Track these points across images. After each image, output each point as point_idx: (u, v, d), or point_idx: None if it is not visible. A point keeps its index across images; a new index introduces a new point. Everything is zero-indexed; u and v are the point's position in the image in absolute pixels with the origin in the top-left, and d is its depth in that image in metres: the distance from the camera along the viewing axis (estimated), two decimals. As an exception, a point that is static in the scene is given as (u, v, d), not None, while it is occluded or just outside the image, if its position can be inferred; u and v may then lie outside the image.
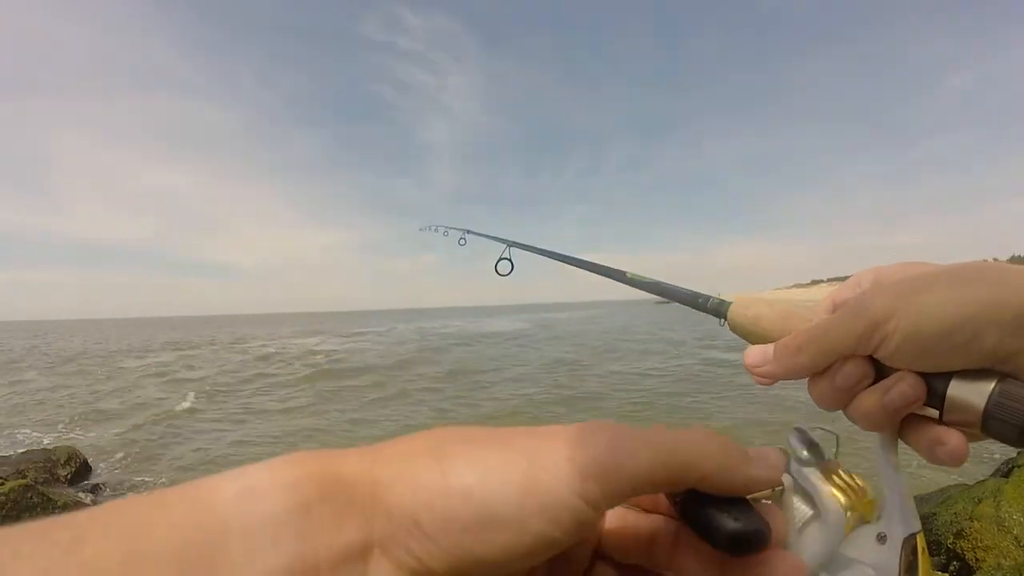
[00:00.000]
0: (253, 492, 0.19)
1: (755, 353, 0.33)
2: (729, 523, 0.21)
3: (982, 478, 4.19)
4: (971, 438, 0.28)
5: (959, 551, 3.53)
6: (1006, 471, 4.04)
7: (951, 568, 3.50)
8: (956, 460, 0.28)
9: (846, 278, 0.37)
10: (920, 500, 4.44)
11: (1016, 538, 3.38)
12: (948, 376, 0.27)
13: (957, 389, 0.27)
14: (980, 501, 3.69)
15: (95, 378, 15.74)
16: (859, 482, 0.31)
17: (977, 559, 3.40)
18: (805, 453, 0.31)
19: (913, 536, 0.29)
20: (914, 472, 5.41)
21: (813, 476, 0.30)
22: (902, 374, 0.28)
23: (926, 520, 3.98)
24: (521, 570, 0.21)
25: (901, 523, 0.29)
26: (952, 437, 0.28)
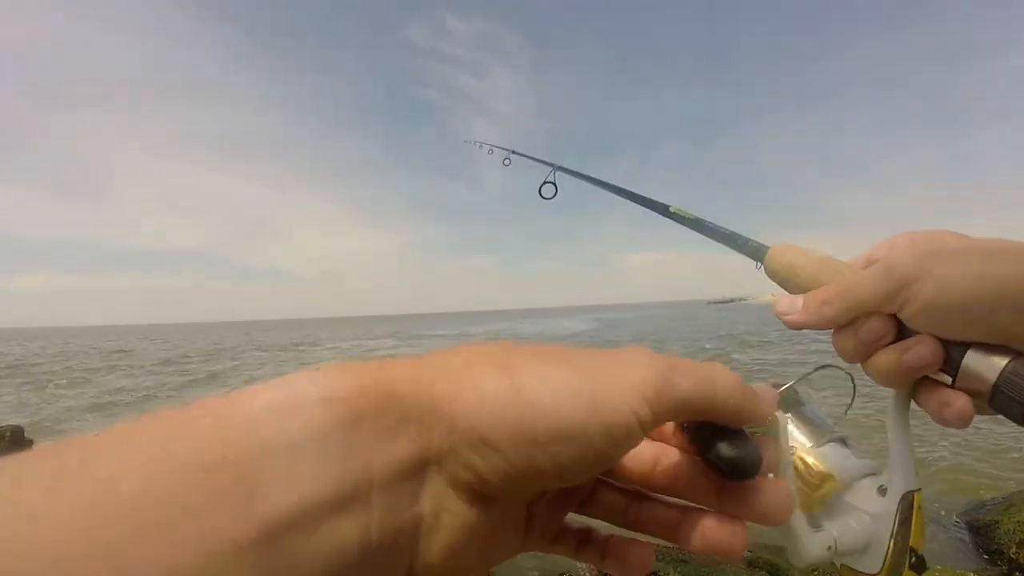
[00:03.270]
0: (295, 405, 0.17)
1: (784, 302, 0.35)
2: (733, 451, 0.23)
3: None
4: (978, 411, 0.30)
5: (1022, 562, 3.33)
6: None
7: (1013, 579, 3.30)
8: (961, 421, 0.29)
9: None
10: (981, 506, 4.19)
11: (1087, 551, 3.15)
12: (966, 346, 0.29)
13: (972, 359, 0.28)
14: (1048, 510, 3.46)
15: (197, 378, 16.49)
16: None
17: (1042, 571, 3.18)
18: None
19: (911, 493, 0.31)
20: (966, 465, 5.09)
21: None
22: (923, 337, 0.30)
23: (987, 528, 3.74)
24: (563, 485, 0.22)
25: (902, 479, 0.31)
26: (959, 399, 0.29)
